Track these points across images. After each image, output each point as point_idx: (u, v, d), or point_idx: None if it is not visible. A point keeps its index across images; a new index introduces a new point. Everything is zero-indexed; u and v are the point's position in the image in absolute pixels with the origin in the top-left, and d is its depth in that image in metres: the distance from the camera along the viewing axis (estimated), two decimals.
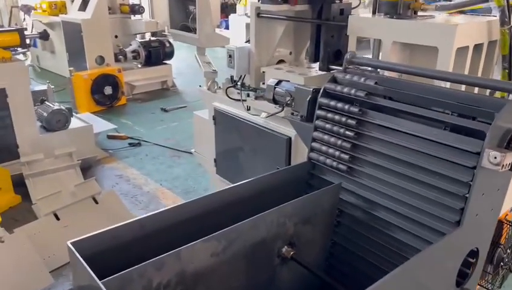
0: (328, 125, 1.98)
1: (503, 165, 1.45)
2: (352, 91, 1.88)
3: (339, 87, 1.95)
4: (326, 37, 2.73)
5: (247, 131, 3.06)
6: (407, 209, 1.73)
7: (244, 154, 3.15)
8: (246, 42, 3.44)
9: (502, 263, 2.21)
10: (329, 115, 1.97)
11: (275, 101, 2.44)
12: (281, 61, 3.27)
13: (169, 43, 7.90)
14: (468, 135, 1.57)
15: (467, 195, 1.54)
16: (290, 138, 2.74)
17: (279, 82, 2.42)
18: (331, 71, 2.80)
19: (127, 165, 4.76)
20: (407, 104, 1.77)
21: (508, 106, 1.50)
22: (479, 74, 2.33)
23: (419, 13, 2.44)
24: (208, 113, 3.65)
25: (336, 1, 2.71)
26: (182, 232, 1.62)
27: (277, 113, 2.61)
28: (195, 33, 3.76)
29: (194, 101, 7.08)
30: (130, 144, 5.30)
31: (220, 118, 3.33)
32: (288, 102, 2.30)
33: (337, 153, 1.94)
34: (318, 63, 2.88)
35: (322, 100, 2.01)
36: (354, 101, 1.91)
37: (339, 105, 1.92)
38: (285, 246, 1.77)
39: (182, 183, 4.35)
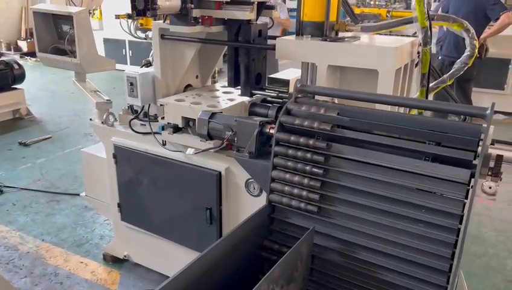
0: (290, 163, 1.77)
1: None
2: (315, 124, 1.71)
3: (297, 120, 1.76)
4: (248, 61, 2.51)
5: (163, 169, 2.65)
6: (393, 248, 1.62)
7: (160, 195, 2.74)
8: (144, 66, 3.02)
9: None
10: (291, 152, 1.76)
11: (210, 136, 2.13)
12: (188, 86, 2.94)
13: (18, 64, 6.76)
14: (448, 164, 1.53)
15: (458, 227, 1.49)
16: (220, 173, 2.45)
17: (212, 115, 2.12)
18: (253, 96, 2.61)
19: None
20: (376, 134, 1.67)
21: (485, 133, 1.49)
22: (405, 94, 2.39)
23: (342, 34, 2.41)
24: (101, 150, 3.11)
25: (252, 22, 2.51)
26: None
27: (212, 149, 2.28)
28: (73, 56, 3.19)
29: (59, 130, 6.17)
30: None
31: (123, 156, 2.85)
32: (230, 137, 2.02)
33: (304, 193, 1.75)
34: (239, 87, 2.65)
35: (279, 135, 1.79)
36: (315, 134, 1.74)
37: (302, 140, 1.73)
38: None
39: (70, 235, 3.63)
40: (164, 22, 2.58)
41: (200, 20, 2.43)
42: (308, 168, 1.72)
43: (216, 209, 2.52)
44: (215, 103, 2.49)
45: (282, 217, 1.84)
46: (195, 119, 2.37)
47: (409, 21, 2.23)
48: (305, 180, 1.73)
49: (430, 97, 2.47)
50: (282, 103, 2.41)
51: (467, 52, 2.37)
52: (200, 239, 2.65)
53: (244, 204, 2.47)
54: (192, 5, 2.34)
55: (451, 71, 2.47)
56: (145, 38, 9.29)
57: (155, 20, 2.63)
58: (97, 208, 3.40)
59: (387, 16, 8.06)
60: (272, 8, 2.58)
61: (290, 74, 3.33)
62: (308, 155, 1.71)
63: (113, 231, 3.61)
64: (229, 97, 2.65)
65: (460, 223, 1.49)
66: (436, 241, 1.54)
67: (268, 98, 2.58)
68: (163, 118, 2.57)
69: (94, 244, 3.51)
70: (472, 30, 2.33)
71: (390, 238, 1.61)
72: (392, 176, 1.59)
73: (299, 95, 1.89)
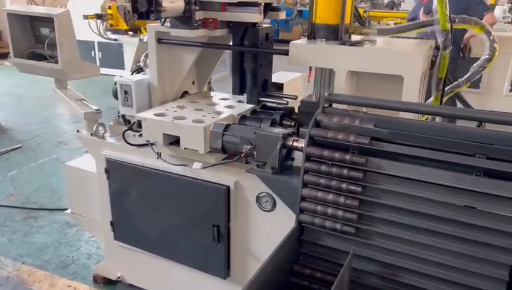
0: (322, 180, 1.62)
1: None
2: (352, 137, 1.57)
3: (330, 134, 1.61)
4: (255, 66, 2.34)
5: (162, 183, 2.44)
6: (441, 270, 1.50)
7: (159, 212, 2.53)
8: (135, 72, 2.81)
9: None
10: (324, 168, 1.61)
11: (224, 151, 1.95)
12: (185, 93, 2.74)
13: None
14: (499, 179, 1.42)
15: None
16: (229, 187, 2.26)
17: (227, 126, 1.94)
18: (261, 104, 2.45)
19: None
20: (419, 147, 1.54)
21: None
22: (422, 100, 2.29)
23: (355, 37, 2.28)
24: (88, 164, 2.87)
25: (258, 25, 2.35)
26: None
27: (221, 163, 2.10)
28: (54, 62, 2.92)
29: (29, 138, 5.77)
30: None
31: (117, 170, 2.61)
32: (248, 152, 1.85)
33: (339, 212, 1.60)
34: (244, 95, 2.48)
35: (311, 150, 1.63)
36: (350, 148, 1.60)
37: (337, 155, 1.58)
38: None
39: (53, 255, 3.34)
40: (163, 24, 2.36)
41: (201, 23, 2.24)
42: (344, 185, 1.58)
43: (224, 226, 2.34)
44: (201, 117, 2.23)
45: (313, 239, 1.69)
46: (179, 137, 2.16)
47: (429, 23, 2.13)
48: (341, 199, 1.59)
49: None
50: (275, 114, 2.25)
51: (485, 56, 2.30)
52: (206, 258, 2.46)
53: (255, 220, 2.30)
54: (197, 7, 2.15)
55: (467, 75, 2.39)
56: (115, 40, 8.95)
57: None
58: (85, 226, 3.13)
59: (364, 16, 8.07)
60: (278, 9, 2.43)
61: (282, 77, 3.16)
62: (345, 171, 1.57)
63: (101, 249, 3.37)
64: (215, 110, 2.40)
65: None
66: (490, 263, 1.43)
67: (258, 109, 2.42)
68: (140, 135, 2.35)
69: (81, 264, 3.24)
70: (493, 33, 2.26)
71: (438, 260, 1.50)
72: (439, 192, 1.47)
73: (326, 105, 1.74)
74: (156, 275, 2.78)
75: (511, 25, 8.14)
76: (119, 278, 2.94)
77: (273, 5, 2.40)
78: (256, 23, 2.30)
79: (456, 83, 2.39)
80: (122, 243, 2.78)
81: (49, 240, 3.53)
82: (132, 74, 2.81)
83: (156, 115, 2.29)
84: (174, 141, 2.25)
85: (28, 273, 3.13)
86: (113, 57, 9.40)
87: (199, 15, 2.23)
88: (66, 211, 3.15)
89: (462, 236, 1.45)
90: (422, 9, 5.62)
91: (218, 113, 2.29)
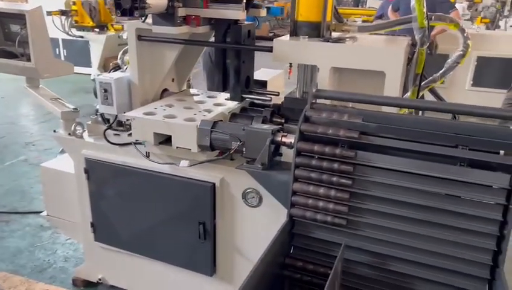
0: (313, 175, 1.65)
1: None
2: (341, 132, 1.61)
3: (320, 129, 1.64)
4: (238, 63, 2.35)
5: (146, 182, 2.42)
6: (430, 257, 1.57)
7: (142, 212, 2.50)
8: (113, 70, 2.75)
9: None
10: (314, 163, 1.64)
11: (212, 148, 1.95)
12: (165, 91, 2.72)
13: None
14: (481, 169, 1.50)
15: (498, 234, 1.47)
16: (214, 184, 2.27)
17: (215, 124, 1.94)
18: (244, 100, 2.46)
19: None
20: (405, 140, 1.60)
21: None
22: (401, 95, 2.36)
23: (335, 35, 2.33)
24: (64, 164, 2.81)
25: (241, 23, 2.35)
26: None
27: (208, 161, 2.10)
28: (25, 60, 2.83)
29: None
30: None
31: (97, 170, 2.56)
32: (237, 148, 1.86)
33: (330, 205, 1.64)
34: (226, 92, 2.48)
35: (301, 145, 1.66)
36: (339, 142, 1.64)
37: (327, 150, 1.62)
38: None
39: (28, 259, 3.24)
40: (144, 21, 2.33)
41: (183, 20, 2.23)
42: (335, 179, 1.62)
43: (210, 223, 2.34)
44: (192, 115, 2.21)
45: (304, 232, 1.72)
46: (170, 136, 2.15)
47: (408, 21, 2.20)
48: (332, 192, 1.63)
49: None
50: (265, 112, 2.27)
51: (459, 52, 2.40)
52: (192, 256, 2.46)
53: (241, 216, 2.32)
54: (180, 4, 2.13)
55: (442, 70, 2.49)
56: (81, 37, 8.70)
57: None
58: (62, 228, 3.05)
59: None
60: (259, 6, 2.44)
61: (264, 74, 3.18)
62: (336, 165, 1.61)
63: (78, 252, 3.30)
64: (205, 107, 2.38)
65: (500, 228, 1.46)
66: (474, 249, 1.50)
67: (248, 107, 2.44)
68: (130, 134, 2.32)
69: (59, 268, 3.16)
70: (467, 30, 2.37)
71: (426, 247, 1.56)
72: (425, 183, 1.53)
73: (313, 100, 1.77)
74: (139, 275, 2.74)
75: (470, 22, 8.51)
76: (100, 280, 2.88)
77: (254, 1, 2.41)
78: (238, 20, 2.31)
79: (431, 78, 2.48)
80: (103, 245, 2.73)
81: (23, 244, 3.42)
82: (110, 71, 2.74)
83: (146, 114, 2.26)
84: (163, 140, 2.23)
85: (2, 279, 3.02)
86: (78, 54, 9.14)
87: (182, 12, 2.21)
88: (41, 214, 3.06)
89: (447, 224, 1.52)
90: (390, 6, 5.77)
91: (208, 111, 2.29)
